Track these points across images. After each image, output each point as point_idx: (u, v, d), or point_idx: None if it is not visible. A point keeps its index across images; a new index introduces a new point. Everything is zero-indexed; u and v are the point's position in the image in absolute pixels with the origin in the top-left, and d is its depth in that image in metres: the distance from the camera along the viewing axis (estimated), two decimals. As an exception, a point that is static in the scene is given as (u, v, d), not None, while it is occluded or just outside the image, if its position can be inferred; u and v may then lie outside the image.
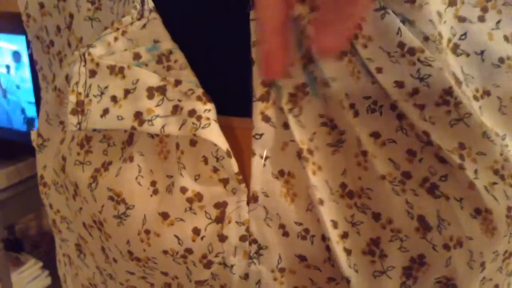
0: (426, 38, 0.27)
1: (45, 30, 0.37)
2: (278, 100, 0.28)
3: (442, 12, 0.27)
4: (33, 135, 0.42)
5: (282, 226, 0.28)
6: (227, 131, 0.29)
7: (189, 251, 0.29)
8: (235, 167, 0.28)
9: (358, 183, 0.28)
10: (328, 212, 0.28)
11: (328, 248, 0.28)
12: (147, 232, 0.29)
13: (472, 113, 0.26)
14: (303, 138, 0.28)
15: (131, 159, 0.29)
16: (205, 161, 0.29)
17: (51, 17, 0.36)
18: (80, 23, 0.34)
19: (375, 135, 0.27)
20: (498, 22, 0.28)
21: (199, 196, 0.29)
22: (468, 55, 0.28)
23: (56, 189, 0.34)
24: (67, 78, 0.33)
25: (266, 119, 0.28)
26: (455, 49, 0.28)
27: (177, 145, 0.29)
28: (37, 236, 1.75)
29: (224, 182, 0.29)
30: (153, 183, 0.29)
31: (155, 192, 0.29)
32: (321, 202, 0.27)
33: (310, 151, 0.28)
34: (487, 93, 0.28)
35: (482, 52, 0.28)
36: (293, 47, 0.27)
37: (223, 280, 0.30)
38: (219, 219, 0.29)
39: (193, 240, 0.29)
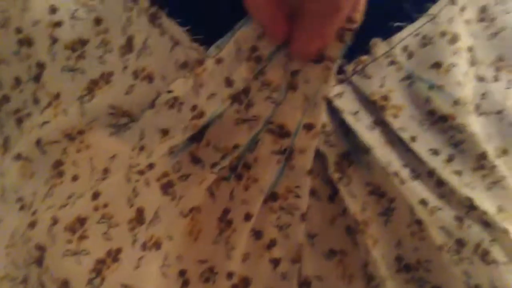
0: (456, 102, 0.27)
1: None
2: (322, 172, 0.26)
3: (468, 73, 0.27)
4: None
5: None
6: None
7: None
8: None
9: (414, 255, 0.26)
10: None
11: None
12: None
13: (506, 175, 0.26)
14: (356, 209, 0.26)
15: (157, 245, 0.25)
16: (257, 235, 0.26)
17: (7, 66, 0.30)
18: (55, 75, 0.28)
19: (423, 202, 0.26)
20: (510, 81, 0.29)
21: (246, 282, 0.25)
22: (487, 114, 0.28)
23: (12, 286, 0.27)
24: (39, 143, 0.27)
25: (312, 192, 0.26)
26: (477, 110, 0.28)
27: (229, 222, 0.26)
28: None
29: (275, 263, 0.26)
30: (182, 273, 0.25)
31: (185, 283, 0.25)
32: (384, 279, 0.26)
33: (365, 223, 0.26)
34: (505, 152, 0.29)
35: (499, 112, 0.28)
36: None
37: None
38: None
39: None
